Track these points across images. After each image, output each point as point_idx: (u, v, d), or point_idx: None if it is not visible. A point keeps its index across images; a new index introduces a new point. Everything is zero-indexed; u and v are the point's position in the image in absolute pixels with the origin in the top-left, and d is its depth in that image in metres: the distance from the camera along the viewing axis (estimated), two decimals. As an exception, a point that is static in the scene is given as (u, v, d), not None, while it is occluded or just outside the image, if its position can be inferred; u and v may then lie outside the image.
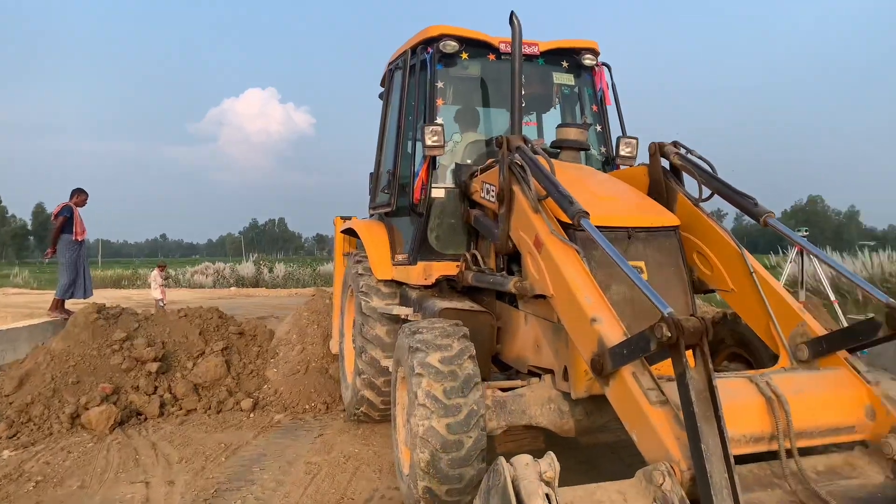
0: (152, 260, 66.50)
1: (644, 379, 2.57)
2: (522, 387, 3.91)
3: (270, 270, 30.38)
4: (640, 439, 2.49)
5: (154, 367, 6.37)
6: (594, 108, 5.69)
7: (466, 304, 4.61)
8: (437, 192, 5.02)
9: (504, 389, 3.90)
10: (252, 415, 6.16)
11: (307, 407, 6.35)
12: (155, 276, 16.52)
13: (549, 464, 2.17)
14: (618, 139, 5.42)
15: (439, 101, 5.16)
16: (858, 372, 2.82)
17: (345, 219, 7.20)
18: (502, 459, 2.17)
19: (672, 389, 2.41)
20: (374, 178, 6.26)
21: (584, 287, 3.10)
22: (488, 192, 4.45)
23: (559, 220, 3.51)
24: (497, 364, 4.71)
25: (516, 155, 3.89)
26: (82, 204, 9.50)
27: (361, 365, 5.41)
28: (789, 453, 2.44)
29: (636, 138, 5.39)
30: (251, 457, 4.95)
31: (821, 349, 2.95)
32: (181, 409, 6.15)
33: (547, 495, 2.08)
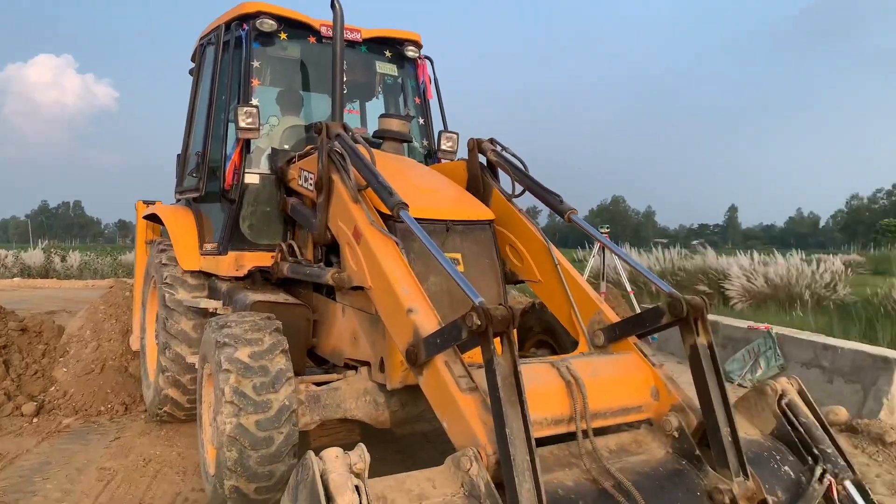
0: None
1: (455, 367, 2.62)
2: (338, 380, 3.85)
3: (63, 259, 27.31)
4: (450, 426, 2.54)
5: None
6: (417, 100, 5.75)
7: (281, 297, 4.44)
8: (251, 178, 4.77)
9: (319, 384, 3.81)
10: (35, 420, 5.45)
11: (102, 409, 5.75)
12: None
13: (360, 455, 2.13)
14: (439, 133, 5.53)
15: (255, 82, 4.92)
16: (645, 356, 3.10)
17: (148, 203, 6.62)
18: (311, 453, 2.10)
19: (481, 376, 2.47)
20: (182, 160, 5.82)
21: (402, 278, 3.10)
22: (306, 180, 4.32)
23: (379, 212, 3.49)
24: (312, 358, 4.60)
25: (336, 143, 3.80)
26: None
27: (165, 362, 5.00)
28: (585, 434, 2.59)
29: (457, 133, 5.53)
30: (32, 466, 4.38)
31: (614, 335, 3.20)
32: (-56, 417, 5.29)
33: (357, 487, 2.04)
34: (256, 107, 4.60)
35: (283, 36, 5.09)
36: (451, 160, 5.43)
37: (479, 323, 2.30)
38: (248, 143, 4.75)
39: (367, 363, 3.84)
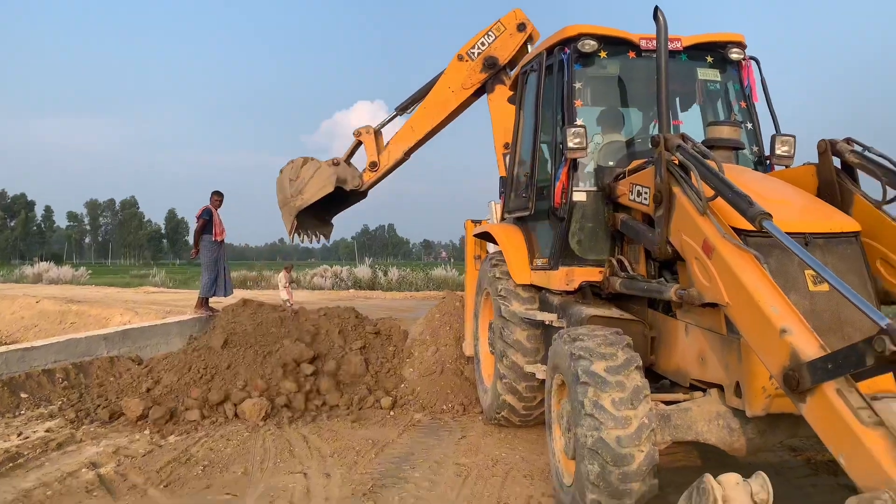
0: (272, 263, 69.98)
1: (852, 397, 2.39)
2: (686, 401, 3.76)
3: (385, 274, 31.33)
4: (851, 463, 2.32)
5: (309, 369, 6.72)
6: (742, 104, 5.42)
7: (616, 312, 4.50)
8: (579, 196, 4.93)
9: (667, 403, 3.77)
10: (392, 412, 6.33)
11: (444, 408, 6.44)
12: (282, 277, 17.43)
13: (762, 485, 2.07)
14: (773, 137, 5.11)
15: (578, 103, 5.07)
16: None
17: (475, 222, 7.23)
18: (709, 476, 2.09)
19: (886, 409, 2.23)
20: (509, 181, 6.24)
21: (768, 295, 2.93)
22: (639, 195, 4.31)
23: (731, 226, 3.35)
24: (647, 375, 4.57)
25: (678, 154, 3.75)
26: (219, 205, 10.10)
27: (502, 369, 5.41)
28: None
29: (794, 136, 5.06)
30: (399, 455, 5.07)
31: None
32: (325, 404, 6.41)
33: None
34: (584, 127, 4.74)
35: (602, 54, 5.18)
36: (787, 166, 4.99)
37: (895, 349, 2.06)
38: (574, 162, 4.92)
39: (716, 385, 3.71)
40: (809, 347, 2.60)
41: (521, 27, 7.38)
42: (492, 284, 5.80)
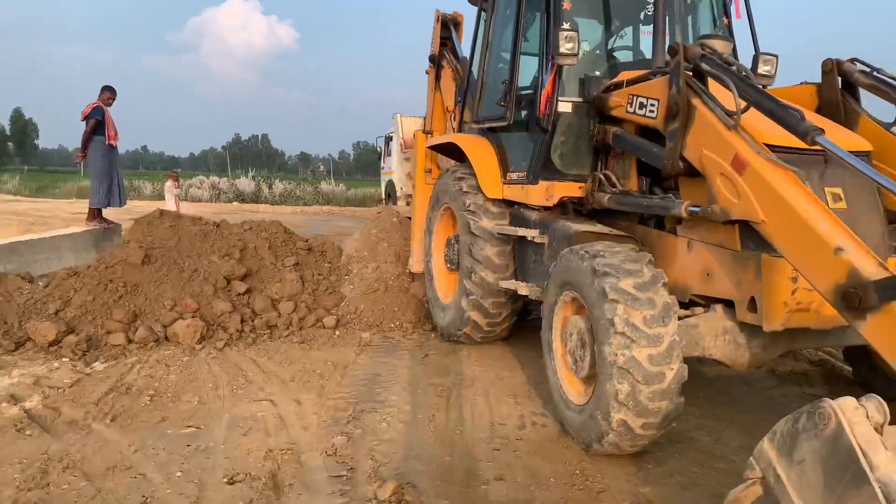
0: (135, 172, 64.76)
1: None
2: (690, 317, 3.71)
3: (270, 187, 30.03)
4: None
5: (242, 287, 6.12)
6: (725, 20, 5.29)
7: (603, 228, 4.36)
8: (564, 106, 4.66)
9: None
10: (337, 332, 5.92)
11: (392, 325, 6.14)
12: (170, 186, 16.07)
13: (877, 407, 1.96)
14: (755, 56, 5.04)
15: (566, 5, 4.71)
16: None
17: (427, 133, 6.81)
18: (829, 401, 1.95)
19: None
20: (475, 91, 5.81)
21: (816, 213, 2.86)
22: (642, 107, 4.09)
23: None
24: None
25: (702, 64, 3.55)
26: (110, 102, 8.87)
27: (469, 286, 5.18)
28: None
29: (776, 55, 5.01)
30: (366, 377, 4.72)
31: None
32: (265, 324, 5.89)
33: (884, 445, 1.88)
34: (576, 31, 4.41)
35: None
36: (767, 86, 4.97)
37: None
38: (560, 69, 4.61)
39: (721, 301, 3.68)
40: (869, 266, 2.55)
41: (437, 19, 7.50)
42: (456, 199, 5.47)
